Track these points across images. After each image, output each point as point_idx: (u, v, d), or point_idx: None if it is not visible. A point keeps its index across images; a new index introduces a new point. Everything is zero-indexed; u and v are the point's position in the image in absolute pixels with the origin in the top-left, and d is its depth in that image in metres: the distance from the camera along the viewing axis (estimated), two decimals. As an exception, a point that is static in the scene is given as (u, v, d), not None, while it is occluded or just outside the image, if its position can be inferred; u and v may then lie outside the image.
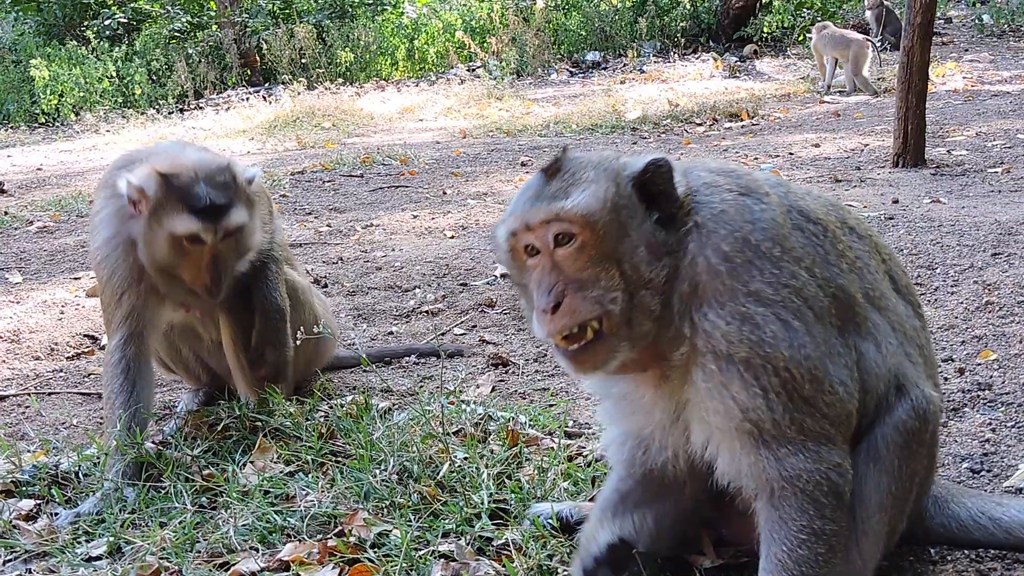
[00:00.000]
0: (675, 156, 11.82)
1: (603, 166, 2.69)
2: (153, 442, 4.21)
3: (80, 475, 4.02)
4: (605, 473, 3.62)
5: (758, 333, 2.55)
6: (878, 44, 17.68)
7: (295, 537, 3.29)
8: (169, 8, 24.42)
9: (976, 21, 21.65)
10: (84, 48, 22.24)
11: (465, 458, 3.67)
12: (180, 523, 3.43)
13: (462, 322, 6.10)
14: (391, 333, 6.02)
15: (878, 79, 16.64)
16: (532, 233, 2.64)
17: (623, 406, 2.90)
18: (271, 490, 3.60)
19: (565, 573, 3.03)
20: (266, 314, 4.46)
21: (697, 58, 21.35)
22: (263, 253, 4.43)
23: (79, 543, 3.45)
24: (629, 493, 2.99)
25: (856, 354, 2.72)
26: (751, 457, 2.59)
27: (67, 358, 5.89)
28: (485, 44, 23.18)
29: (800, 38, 22.12)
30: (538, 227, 2.62)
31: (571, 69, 22.44)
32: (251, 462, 3.90)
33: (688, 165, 2.81)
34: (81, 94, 20.94)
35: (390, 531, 3.22)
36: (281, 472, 3.79)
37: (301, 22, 23.37)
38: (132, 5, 24.32)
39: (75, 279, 7.38)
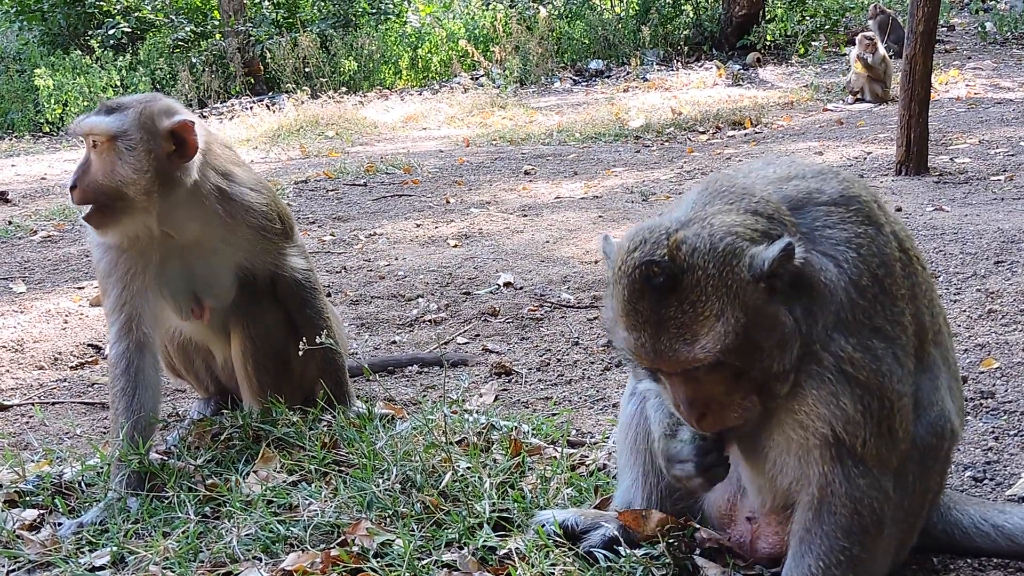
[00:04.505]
0: (680, 164, 11.86)
1: (722, 285, 2.51)
2: (157, 452, 4.21)
3: (83, 485, 4.02)
4: (608, 482, 3.62)
5: (877, 364, 2.63)
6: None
7: (298, 547, 3.29)
8: (173, 17, 24.49)
9: (979, 29, 21.63)
10: (88, 57, 22.29)
11: (468, 467, 3.66)
12: (183, 533, 3.43)
13: (465, 331, 6.11)
14: (394, 342, 6.03)
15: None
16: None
17: None
18: (274, 500, 3.60)
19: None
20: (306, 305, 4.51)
21: (700, 66, 21.36)
22: (278, 265, 4.43)
23: (82, 553, 3.45)
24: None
25: (914, 387, 2.78)
26: (824, 467, 2.63)
27: (71, 368, 5.90)
28: (488, 53, 23.21)
29: (802, 50, 22.09)
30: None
31: (574, 77, 22.47)
32: (254, 472, 3.89)
33: (802, 197, 2.78)
34: (85, 103, 20.96)
35: (393, 541, 3.22)
36: (284, 482, 3.79)
37: (305, 31, 23.42)
38: (136, 15, 24.38)
39: (79, 288, 7.40)
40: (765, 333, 2.51)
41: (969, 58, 19.72)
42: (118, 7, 24.49)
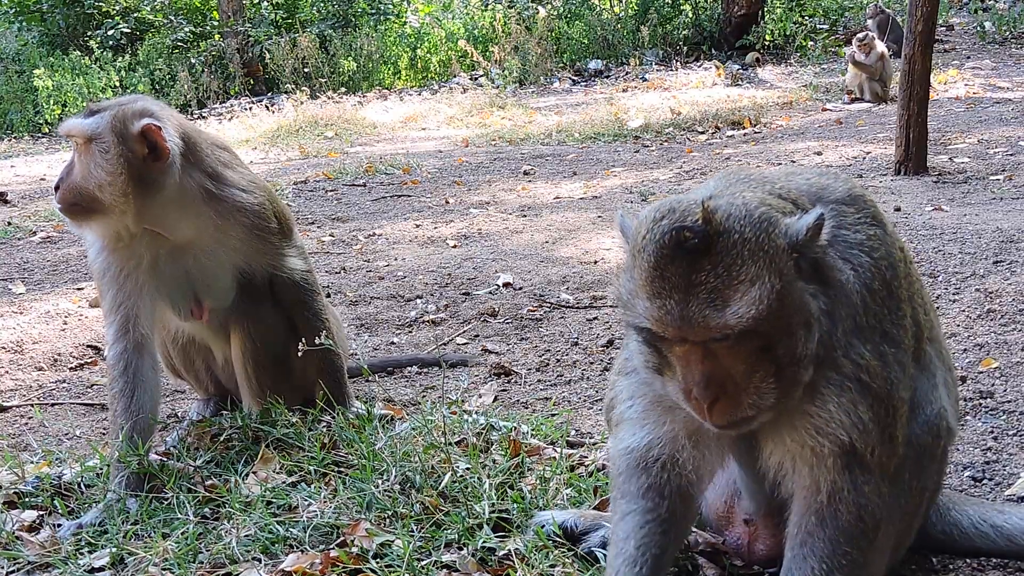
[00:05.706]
0: (679, 164, 11.86)
1: (759, 250, 2.43)
2: (156, 453, 4.21)
3: (83, 486, 4.02)
4: (607, 483, 3.62)
5: (888, 371, 2.63)
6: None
7: (298, 548, 3.29)
8: (172, 18, 24.48)
9: (978, 28, 21.63)
10: (87, 58, 22.29)
11: (467, 468, 3.66)
12: (182, 534, 3.44)
13: (464, 332, 6.11)
14: (393, 343, 6.02)
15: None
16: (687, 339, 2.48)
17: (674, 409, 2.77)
18: (274, 500, 3.61)
19: (567, 583, 3.03)
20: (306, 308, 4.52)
21: (699, 66, 21.34)
22: (276, 266, 4.43)
23: (82, 554, 3.45)
24: (646, 541, 2.85)
25: (912, 388, 2.78)
26: (835, 475, 2.61)
27: (70, 369, 5.90)
28: (488, 53, 23.20)
29: (801, 51, 22.07)
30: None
31: (573, 77, 22.46)
32: (254, 472, 3.90)
33: (815, 191, 2.77)
34: (84, 104, 20.90)
35: (392, 541, 3.22)
36: (284, 482, 3.79)
37: (304, 31, 23.41)
38: (135, 15, 24.37)
39: (78, 289, 7.39)
40: (794, 308, 2.45)
41: (968, 58, 19.72)
42: (117, 8, 24.47)
